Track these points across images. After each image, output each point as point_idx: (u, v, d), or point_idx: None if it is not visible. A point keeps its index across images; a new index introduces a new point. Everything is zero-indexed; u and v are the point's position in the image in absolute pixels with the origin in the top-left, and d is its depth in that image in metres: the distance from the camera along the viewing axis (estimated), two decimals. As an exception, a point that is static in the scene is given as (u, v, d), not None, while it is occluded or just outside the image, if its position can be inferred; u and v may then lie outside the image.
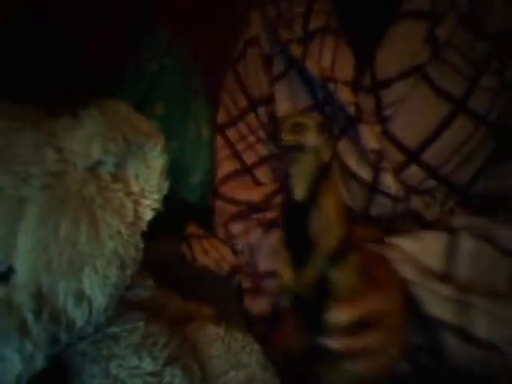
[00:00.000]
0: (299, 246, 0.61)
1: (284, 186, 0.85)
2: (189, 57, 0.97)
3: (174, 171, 0.87)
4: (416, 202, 0.81)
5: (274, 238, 0.87)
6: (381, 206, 0.82)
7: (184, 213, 0.95)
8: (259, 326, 0.84)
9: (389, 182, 0.81)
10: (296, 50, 0.88)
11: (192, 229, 0.97)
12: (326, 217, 0.59)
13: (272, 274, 0.83)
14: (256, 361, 0.65)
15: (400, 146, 0.81)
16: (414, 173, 0.81)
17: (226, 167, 0.96)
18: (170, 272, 0.70)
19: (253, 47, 0.95)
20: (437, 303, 0.68)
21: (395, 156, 0.81)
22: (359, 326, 0.62)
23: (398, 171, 0.81)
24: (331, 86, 0.83)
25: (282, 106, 0.91)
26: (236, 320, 0.79)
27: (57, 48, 0.80)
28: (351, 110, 0.82)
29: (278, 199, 0.92)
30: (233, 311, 0.83)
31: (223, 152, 0.97)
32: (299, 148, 0.57)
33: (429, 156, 0.80)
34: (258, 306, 0.85)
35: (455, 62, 0.80)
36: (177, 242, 0.93)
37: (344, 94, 0.82)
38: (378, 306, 0.64)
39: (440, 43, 0.80)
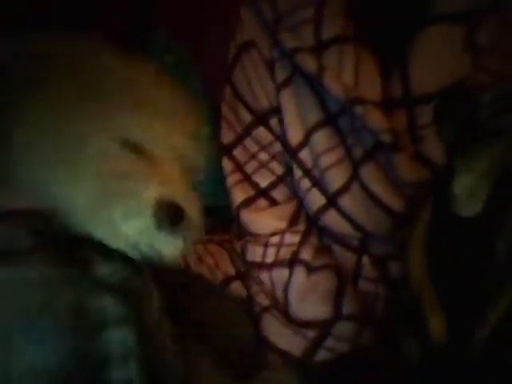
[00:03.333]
0: (463, 281, 0.43)
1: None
2: (189, 57, 0.98)
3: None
4: None
5: (325, 278, 0.77)
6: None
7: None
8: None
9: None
10: (308, 63, 0.76)
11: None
12: None
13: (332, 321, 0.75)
14: None
15: (430, 165, 0.72)
16: None
17: (237, 195, 0.84)
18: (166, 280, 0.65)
19: (250, 51, 0.82)
20: None
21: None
22: None
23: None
24: (359, 108, 0.73)
25: (291, 119, 0.80)
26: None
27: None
28: (386, 137, 0.72)
29: (303, 218, 0.82)
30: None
31: (233, 177, 0.85)
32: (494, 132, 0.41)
33: None
34: (292, 342, 0.76)
35: (496, 70, 0.70)
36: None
37: (376, 120, 0.72)
38: None
39: (480, 49, 0.71)
